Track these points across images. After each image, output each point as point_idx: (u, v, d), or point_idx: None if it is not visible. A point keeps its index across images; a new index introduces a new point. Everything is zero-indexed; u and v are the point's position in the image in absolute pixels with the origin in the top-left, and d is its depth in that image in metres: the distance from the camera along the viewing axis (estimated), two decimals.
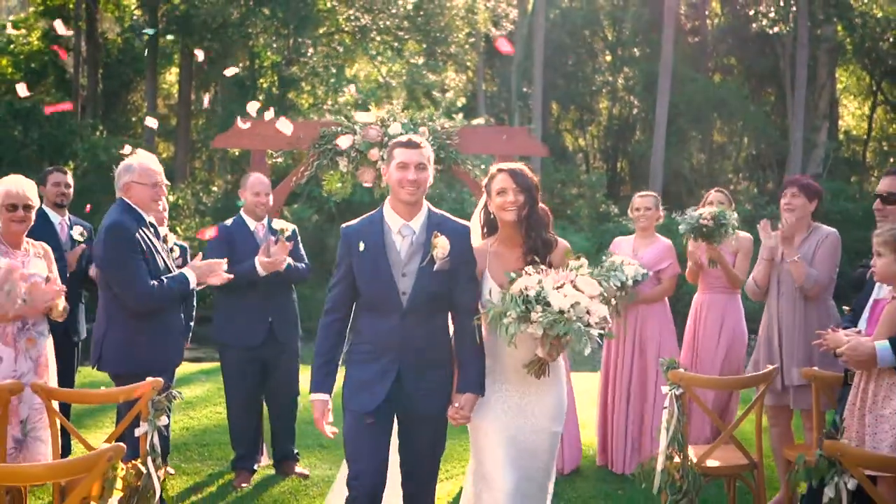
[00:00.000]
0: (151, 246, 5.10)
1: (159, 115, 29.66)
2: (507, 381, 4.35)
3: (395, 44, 29.03)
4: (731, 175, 36.50)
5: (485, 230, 4.61)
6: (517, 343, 4.05)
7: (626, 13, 36.14)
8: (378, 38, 29.35)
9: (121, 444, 3.26)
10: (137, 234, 5.03)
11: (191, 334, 6.35)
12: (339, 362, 4.35)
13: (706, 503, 5.93)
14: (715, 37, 37.87)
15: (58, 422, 4.44)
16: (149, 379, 4.31)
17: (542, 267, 4.19)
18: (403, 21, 28.86)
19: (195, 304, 6.64)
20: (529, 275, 4.08)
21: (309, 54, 27.88)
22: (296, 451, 6.80)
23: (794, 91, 31.79)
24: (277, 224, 6.31)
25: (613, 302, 4.20)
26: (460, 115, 24.07)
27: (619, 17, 37.24)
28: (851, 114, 40.48)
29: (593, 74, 38.36)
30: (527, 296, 3.98)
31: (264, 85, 30.11)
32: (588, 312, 3.96)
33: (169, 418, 4.40)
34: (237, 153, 29.90)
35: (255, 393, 6.50)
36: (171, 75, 32.36)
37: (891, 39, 35.71)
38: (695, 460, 4.79)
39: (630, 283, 6.25)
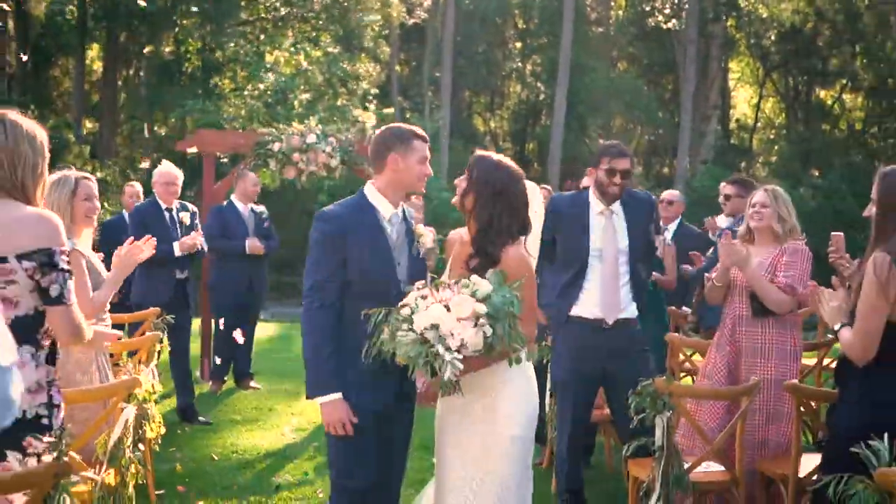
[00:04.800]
0: (158, 223, 7.54)
1: (83, 92, 31.00)
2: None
3: (313, 33, 30.83)
4: None
5: None
6: None
7: (534, 2, 38.16)
8: (297, 27, 31.12)
9: (157, 332, 5.71)
10: (148, 217, 7.62)
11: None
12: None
13: None
14: (617, 28, 40.33)
15: None
16: (151, 308, 6.67)
17: (446, 280, 3.84)
18: (321, 13, 30.63)
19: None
20: (419, 289, 3.80)
21: (232, 41, 29.47)
22: (251, 370, 9.34)
23: (685, 82, 34.37)
24: (258, 208, 9.08)
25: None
26: (374, 104, 25.90)
27: (528, 6, 39.27)
28: (746, 102, 43.37)
29: (504, 61, 40.52)
30: (400, 312, 3.72)
31: (189, 69, 31.66)
32: (452, 335, 3.61)
33: (165, 335, 6.76)
34: (163, 133, 31.69)
35: (234, 324, 8.87)
36: (93, 51, 32.63)
37: (772, 37, 38.78)
38: None
39: None
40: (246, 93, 28.32)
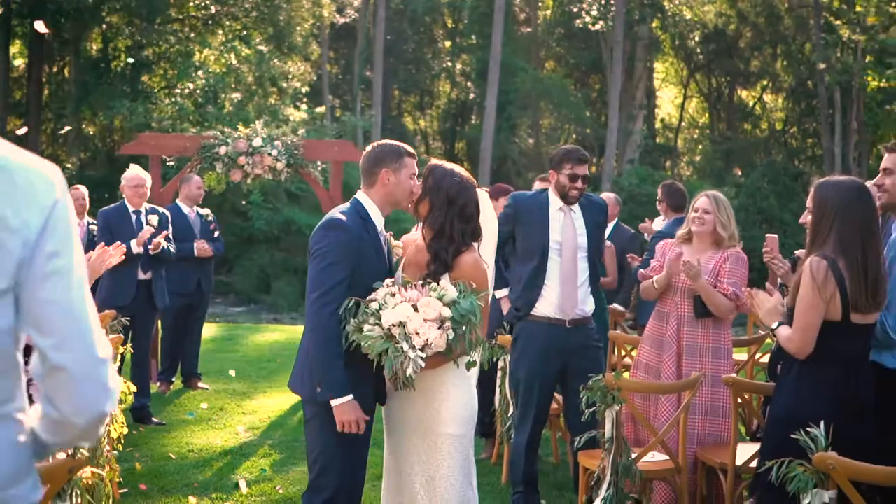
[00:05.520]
0: (124, 226, 7.72)
1: (7, 89, 30.35)
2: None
3: (244, 32, 30.70)
4: None
5: None
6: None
7: (464, 2, 38.37)
8: (227, 25, 30.99)
9: (120, 334, 5.82)
10: (113, 218, 7.82)
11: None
12: None
13: None
14: (545, 29, 40.81)
15: None
16: (106, 311, 6.78)
17: (416, 282, 4.06)
18: (252, 12, 30.52)
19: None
20: (388, 286, 4.00)
21: (162, 39, 29.19)
22: (199, 371, 9.46)
23: (612, 83, 34.94)
24: (204, 211, 9.21)
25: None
26: (304, 103, 25.78)
27: (457, 6, 39.49)
28: (671, 102, 44.16)
29: (433, 60, 40.71)
30: (369, 306, 3.93)
31: (118, 67, 31.24)
32: (417, 334, 3.82)
33: (124, 337, 6.87)
34: (91, 131, 31.31)
35: (182, 324, 9.10)
36: (15, 47, 31.79)
37: (696, 39, 39.60)
38: None
39: None
40: (176, 91, 28.11)
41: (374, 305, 3.92)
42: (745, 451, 4.97)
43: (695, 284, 5.47)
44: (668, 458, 5.05)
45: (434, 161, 4.43)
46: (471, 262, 4.18)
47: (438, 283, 4.06)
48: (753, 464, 4.74)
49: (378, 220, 4.22)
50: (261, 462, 6.86)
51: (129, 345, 6.54)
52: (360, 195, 4.25)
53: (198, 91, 27.40)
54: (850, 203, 3.78)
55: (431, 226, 4.22)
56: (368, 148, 4.33)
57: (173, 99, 27.60)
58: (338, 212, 4.17)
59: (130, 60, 28.24)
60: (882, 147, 4.42)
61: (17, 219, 1.75)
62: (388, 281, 4.07)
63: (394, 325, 3.83)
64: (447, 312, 3.90)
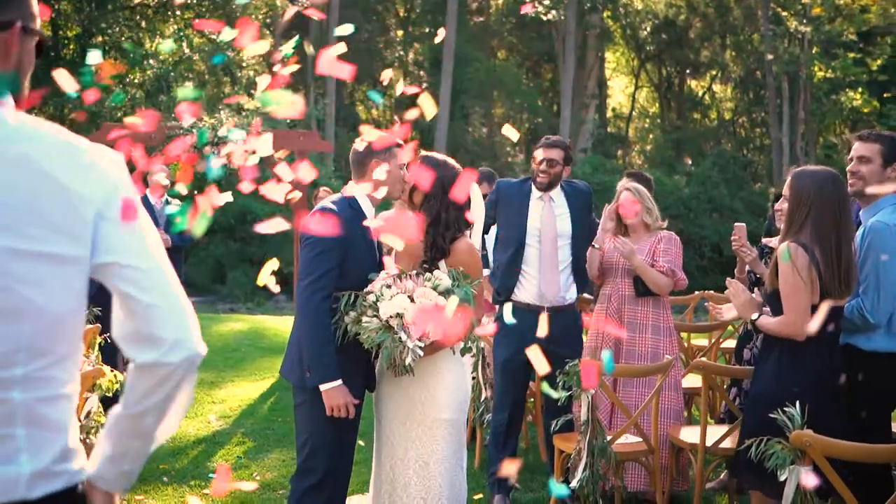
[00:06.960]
0: None
1: None
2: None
3: (196, 20, 30.39)
4: (509, 148, 39.82)
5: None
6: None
7: None
8: (179, 13, 30.71)
9: (97, 324, 5.85)
10: None
11: None
12: None
13: None
14: (497, 19, 40.99)
15: None
16: None
17: (410, 272, 4.17)
18: (204, 0, 30.27)
19: None
20: (383, 278, 4.11)
21: (114, 27, 28.90)
22: None
23: (564, 72, 35.26)
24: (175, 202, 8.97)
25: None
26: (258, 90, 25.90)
27: None
28: (622, 91, 44.56)
29: (385, 49, 40.73)
30: (366, 298, 4.03)
31: (67, 56, 30.83)
32: (414, 323, 3.91)
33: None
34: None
35: None
36: None
37: (647, 29, 40.00)
38: None
39: None
40: (126, 81, 27.81)
41: (371, 298, 4.02)
42: (712, 434, 5.13)
43: (633, 264, 5.70)
44: (639, 439, 5.21)
45: (424, 152, 4.53)
46: (465, 247, 4.33)
47: (436, 269, 4.22)
48: (722, 444, 4.92)
49: (368, 210, 4.29)
50: (235, 450, 6.91)
51: (106, 335, 6.58)
52: (352, 186, 4.32)
53: (148, 80, 27.18)
54: (825, 192, 3.95)
55: (427, 213, 4.34)
56: (358, 140, 4.35)
57: (125, 90, 27.30)
58: (329, 202, 4.26)
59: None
60: (853, 137, 4.60)
61: (86, 189, 1.85)
62: (383, 273, 4.16)
63: (391, 317, 3.95)
64: (442, 301, 4.00)
